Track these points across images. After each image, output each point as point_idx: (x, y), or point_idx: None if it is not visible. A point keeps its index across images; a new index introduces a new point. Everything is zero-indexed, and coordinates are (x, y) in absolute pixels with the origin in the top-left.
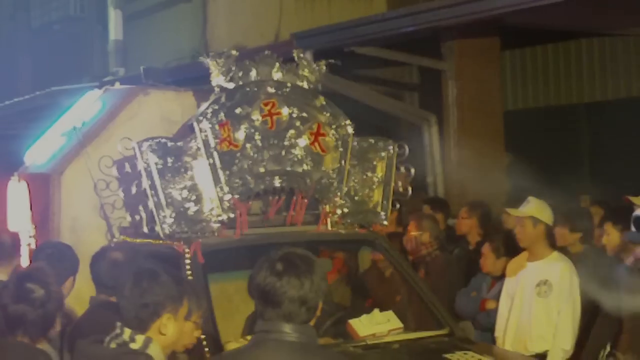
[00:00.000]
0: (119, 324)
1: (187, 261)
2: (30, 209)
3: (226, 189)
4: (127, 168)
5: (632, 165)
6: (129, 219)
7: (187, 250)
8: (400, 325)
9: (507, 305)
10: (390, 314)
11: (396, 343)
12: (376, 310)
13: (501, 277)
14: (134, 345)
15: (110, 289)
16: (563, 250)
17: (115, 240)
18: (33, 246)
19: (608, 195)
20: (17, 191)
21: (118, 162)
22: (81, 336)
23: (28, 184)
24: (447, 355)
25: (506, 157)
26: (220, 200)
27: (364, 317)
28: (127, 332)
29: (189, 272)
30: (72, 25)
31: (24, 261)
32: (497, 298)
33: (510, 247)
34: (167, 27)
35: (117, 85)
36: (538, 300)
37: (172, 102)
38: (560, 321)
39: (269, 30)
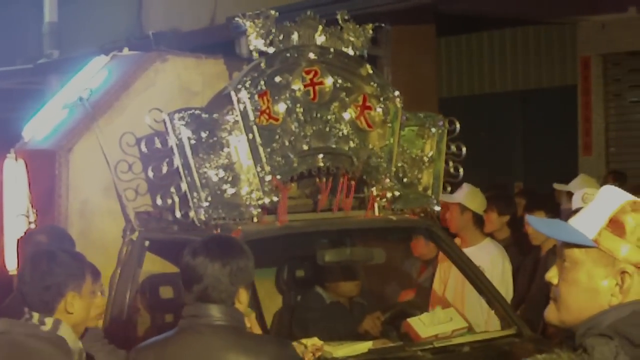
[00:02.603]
0: (26, 309)
1: None
2: (30, 191)
3: (267, 168)
4: (157, 144)
5: (565, 152)
6: (159, 202)
7: None
8: (465, 324)
9: (440, 290)
10: (452, 311)
11: (465, 345)
12: (438, 308)
13: (432, 261)
14: (44, 328)
15: None
16: (491, 236)
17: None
18: None
19: (540, 182)
20: (14, 171)
21: (142, 139)
22: None
23: (26, 163)
24: None
25: None
26: (261, 181)
27: (424, 315)
28: (36, 315)
29: None
30: (6, 7)
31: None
32: (427, 283)
33: None
34: (102, 9)
35: (126, 51)
36: (470, 287)
37: (192, 71)
38: None
39: (204, 13)
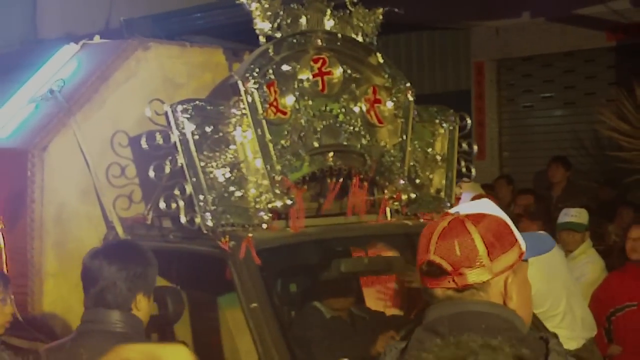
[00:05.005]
0: None
1: (238, 263)
2: None
3: (278, 168)
4: (158, 141)
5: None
6: (163, 206)
7: (235, 248)
8: None
9: None
10: None
11: None
12: None
13: None
14: None
15: None
16: None
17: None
18: (1, 243)
19: None
20: None
21: (137, 137)
22: None
23: None
24: None
25: None
26: (272, 182)
27: None
28: None
29: (242, 278)
30: None
31: None
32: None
33: None
34: None
35: (97, 39)
36: None
37: (176, 60)
38: None
39: (99, 17)
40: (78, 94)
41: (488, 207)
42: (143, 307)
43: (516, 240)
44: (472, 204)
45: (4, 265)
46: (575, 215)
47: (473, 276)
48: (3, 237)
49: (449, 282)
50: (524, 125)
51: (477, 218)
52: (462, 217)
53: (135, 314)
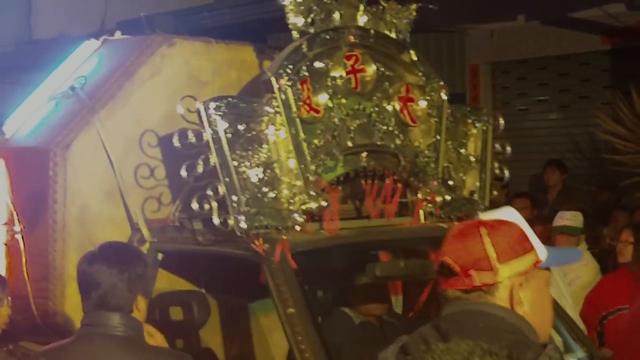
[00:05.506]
0: None
1: (273, 267)
2: (13, 196)
3: (312, 168)
4: (190, 138)
5: None
6: (196, 207)
7: (269, 251)
8: None
9: None
10: None
11: None
12: None
13: None
14: None
15: None
16: None
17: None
18: (21, 246)
19: None
20: None
21: (168, 135)
22: None
23: (7, 163)
24: None
25: None
26: (306, 183)
27: None
28: None
29: (278, 282)
30: None
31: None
32: None
33: None
34: None
35: (118, 35)
36: None
37: (201, 57)
38: None
39: (94, 18)
40: (101, 91)
41: (510, 215)
42: (142, 308)
43: (532, 248)
44: (496, 212)
45: (24, 269)
46: (570, 218)
47: (480, 278)
48: (23, 239)
49: (459, 283)
50: (519, 129)
51: (493, 224)
52: (477, 221)
53: (135, 315)
